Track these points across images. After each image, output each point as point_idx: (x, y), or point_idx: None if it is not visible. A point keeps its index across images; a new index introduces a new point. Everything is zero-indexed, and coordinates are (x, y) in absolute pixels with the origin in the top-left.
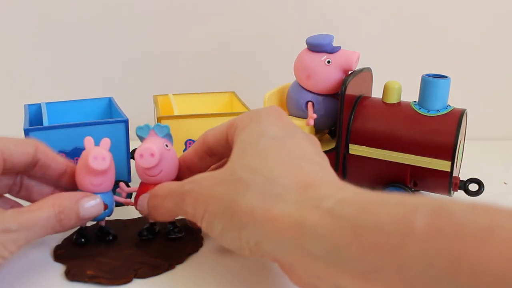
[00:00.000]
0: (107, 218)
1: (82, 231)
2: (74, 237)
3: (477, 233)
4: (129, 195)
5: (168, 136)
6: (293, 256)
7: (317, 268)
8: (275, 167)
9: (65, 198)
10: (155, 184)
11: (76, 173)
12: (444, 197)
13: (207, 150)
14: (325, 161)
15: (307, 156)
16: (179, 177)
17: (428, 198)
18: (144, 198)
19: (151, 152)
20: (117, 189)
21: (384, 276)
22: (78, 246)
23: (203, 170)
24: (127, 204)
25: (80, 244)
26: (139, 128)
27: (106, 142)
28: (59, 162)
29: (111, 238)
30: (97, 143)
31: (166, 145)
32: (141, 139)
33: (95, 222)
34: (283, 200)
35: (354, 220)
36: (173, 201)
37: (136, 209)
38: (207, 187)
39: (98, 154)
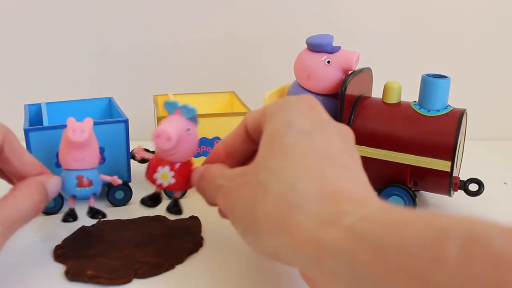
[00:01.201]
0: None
1: (71, 212)
2: (62, 217)
3: None
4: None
5: (193, 119)
6: (311, 270)
7: (337, 286)
8: (296, 171)
9: (39, 186)
10: (169, 162)
11: (59, 153)
12: (472, 216)
13: (249, 134)
14: (354, 160)
15: (334, 156)
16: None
17: (457, 219)
18: (197, 172)
19: (168, 136)
20: (134, 150)
21: None
22: (78, 246)
23: (247, 153)
24: (113, 182)
25: (68, 222)
26: (167, 104)
27: (88, 121)
28: (23, 161)
29: (100, 217)
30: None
31: (188, 129)
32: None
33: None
34: (300, 211)
35: (377, 240)
36: (211, 190)
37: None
38: (236, 187)
39: (77, 127)
